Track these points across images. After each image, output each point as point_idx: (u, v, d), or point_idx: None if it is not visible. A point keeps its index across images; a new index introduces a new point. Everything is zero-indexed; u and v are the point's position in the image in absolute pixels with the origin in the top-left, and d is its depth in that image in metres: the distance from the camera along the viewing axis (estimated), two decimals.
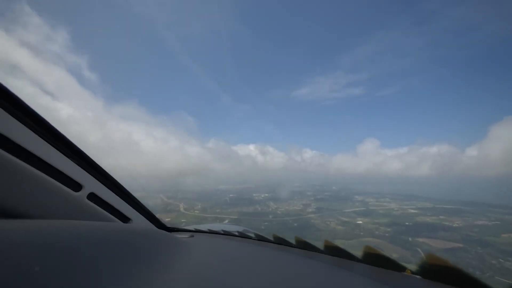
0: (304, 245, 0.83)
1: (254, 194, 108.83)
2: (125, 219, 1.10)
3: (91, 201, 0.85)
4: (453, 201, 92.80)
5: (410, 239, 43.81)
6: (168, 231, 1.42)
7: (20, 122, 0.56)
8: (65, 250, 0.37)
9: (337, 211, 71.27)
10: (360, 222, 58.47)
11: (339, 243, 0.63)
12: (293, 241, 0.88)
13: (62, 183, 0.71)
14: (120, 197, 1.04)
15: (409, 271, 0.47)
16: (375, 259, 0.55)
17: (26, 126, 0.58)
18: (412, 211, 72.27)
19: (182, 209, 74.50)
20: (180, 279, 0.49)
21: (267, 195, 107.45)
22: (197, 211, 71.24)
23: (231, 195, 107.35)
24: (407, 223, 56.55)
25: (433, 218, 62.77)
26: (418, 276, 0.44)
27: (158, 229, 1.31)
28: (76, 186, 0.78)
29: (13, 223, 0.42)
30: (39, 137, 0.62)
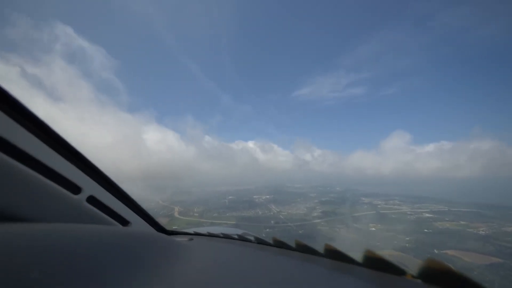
0: (304, 249, 0.82)
1: (254, 196, 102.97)
2: (124, 222, 1.09)
3: (91, 204, 0.85)
4: (467, 203, 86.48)
5: (436, 251, 37.67)
6: (168, 235, 1.42)
7: (19, 124, 0.55)
8: (64, 253, 0.37)
9: (345, 216, 65.06)
10: (374, 229, 52.30)
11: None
12: (293, 244, 0.87)
13: (61, 186, 0.70)
14: (119, 200, 1.03)
15: (409, 275, 0.47)
16: (375, 263, 0.54)
17: (25, 128, 0.57)
18: (428, 215, 66.01)
19: (176, 214, 68.59)
20: (179, 283, 0.49)
21: (268, 197, 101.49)
22: (193, 216, 65.25)
23: (230, 197, 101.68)
24: (426, 230, 50.36)
25: (454, 223, 56.53)
26: (418, 281, 0.44)
27: (158, 233, 1.32)
28: (75, 189, 0.77)
29: (11, 226, 0.41)
30: (37, 139, 0.61)
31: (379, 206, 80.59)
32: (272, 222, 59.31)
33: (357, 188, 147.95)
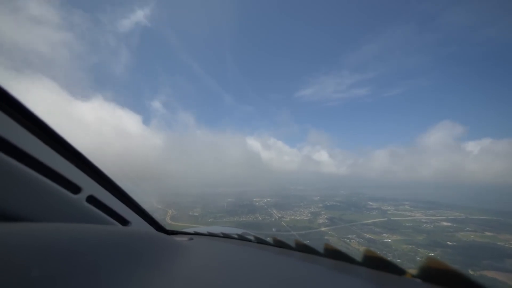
0: (304, 248, 0.82)
1: (254, 199, 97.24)
2: (124, 222, 1.09)
3: (90, 204, 0.85)
4: (483, 210, 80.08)
5: (471, 272, 31.46)
6: (168, 234, 1.45)
7: (18, 123, 0.55)
8: (64, 253, 0.37)
9: (354, 223, 58.91)
10: (389, 240, 46.03)
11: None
12: (293, 244, 0.87)
13: (60, 186, 0.70)
14: (119, 200, 1.04)
15: (409, 274, 0.47)
16: (375, 262, 0.54)
17: (24, 128, 0.57)
18: (446, 223, 59.74)
19: (168, 219, 62.73)
20: (179, 282, 0.49)
21: (269, 200, 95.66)
22: (187, 221, 59.38)
23: (229, 200, 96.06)
24: (450, 243, 44.15)
25: (478, 234, 50.26)
26: (418, 280, 0.43)
27: (157, 232, 1.33)
28: (74, 188, 0.77)
29: (11, 226, 0.41)
30: (37, 139, 0.61)
31: (389, 212, 74.28)
32: (274, 229, 53.52)
33: (362, 191, 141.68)
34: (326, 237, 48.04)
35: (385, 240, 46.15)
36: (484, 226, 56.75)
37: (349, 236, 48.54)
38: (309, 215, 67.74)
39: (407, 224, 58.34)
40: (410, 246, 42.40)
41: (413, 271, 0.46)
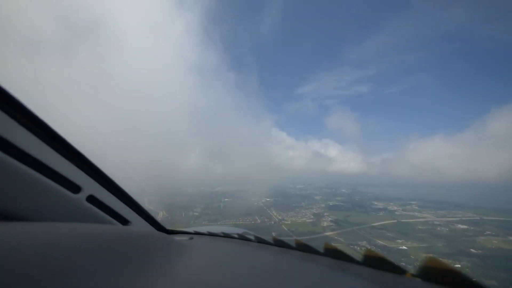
0: (304, 248, 0.82)
1: (252, 199, 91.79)
2: (124, 221, 1.10)
3: (90, 204, 0.86)
4: (495, 210, 75.24)
5: None
6: (168, 234, 1.46)
7: (18, 123, 0.55)
8: (64, 252, 0.37)
9: (362, 226, 53.71)
10: (404, 247, 40.85)
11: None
12: (293, 243, 0.88)
13: (60, 185, 0.71)
14: (119, 199, 1.04)
15: (409, 274, 0.47)
16: (375, 262, 0.54)
17: (24, 128, 0.57)
18: (462, 226, 54.64)
19: None
20: (180, 282, 0.49)
21: (268, 199, 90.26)
22: (177, 225, 53.72)
23: (225, 200, 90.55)
24: (474, 251, 39.03)
25: (502, 240, 45.31)
26: (418, 279, 0.44)
27: (158, 232, 1.34)
28: (75, 188, 0.77)
29: (11, 225, 0.41)
30: (37, 139, 0.62)
31: (397, 213, 69.27)
32: (274, 234, 48.08)
33: (364, 190, 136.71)
34: (333, 244, 42.66)
35: (401, 247, 40.87)
36: (504, 229, 51.83)
37: (359, 242, 43.19)
38: (312, 217, 62.50)
39: (420, 227, 53.19)
40: (430, 254, 37.12)
41: (413, 270, 0.45)
